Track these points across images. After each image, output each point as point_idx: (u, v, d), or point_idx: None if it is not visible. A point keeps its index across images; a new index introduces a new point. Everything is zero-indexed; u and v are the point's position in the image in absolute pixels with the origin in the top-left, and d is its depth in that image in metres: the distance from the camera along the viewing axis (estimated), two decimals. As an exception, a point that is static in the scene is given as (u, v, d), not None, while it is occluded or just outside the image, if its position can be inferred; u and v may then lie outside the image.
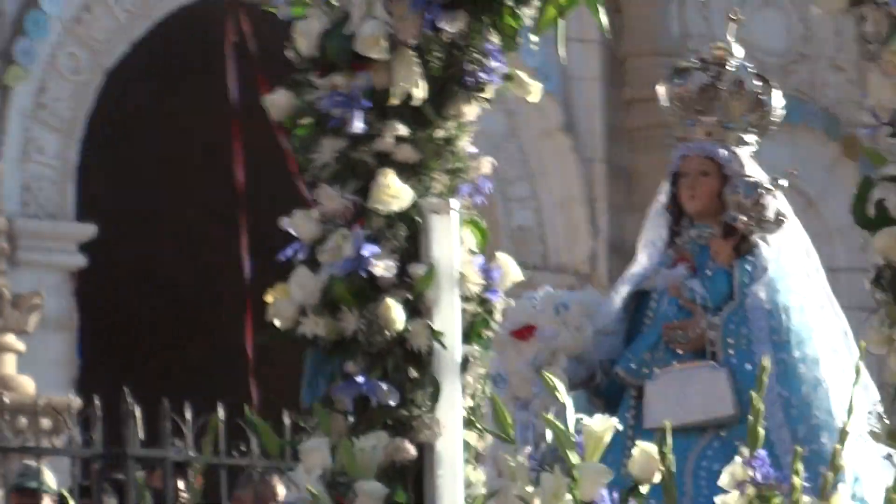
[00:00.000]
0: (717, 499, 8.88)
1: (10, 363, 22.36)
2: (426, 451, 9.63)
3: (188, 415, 17.54)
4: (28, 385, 22.09)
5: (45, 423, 21.01)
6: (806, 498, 8.70)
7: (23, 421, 20.88)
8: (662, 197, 11.19)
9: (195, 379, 19.31)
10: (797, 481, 8.56)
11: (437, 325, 9.69)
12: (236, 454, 17.85)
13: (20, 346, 22.75)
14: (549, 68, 24.27)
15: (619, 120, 27.32)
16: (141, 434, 17.41)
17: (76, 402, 21.26)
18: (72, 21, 23.57)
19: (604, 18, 10.54)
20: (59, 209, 23.45)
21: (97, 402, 19.33)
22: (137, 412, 17.75)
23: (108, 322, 23.73)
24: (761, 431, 8.63)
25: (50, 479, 18.44)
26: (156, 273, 23.44)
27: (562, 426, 8.76)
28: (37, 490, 17.03)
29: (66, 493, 16.11)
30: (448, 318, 9.84)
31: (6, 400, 20.49)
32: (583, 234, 24.07)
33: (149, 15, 24.03)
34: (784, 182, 11.36)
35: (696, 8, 26.10)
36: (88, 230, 23.37)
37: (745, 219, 10.35)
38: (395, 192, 9.66)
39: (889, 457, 9.31)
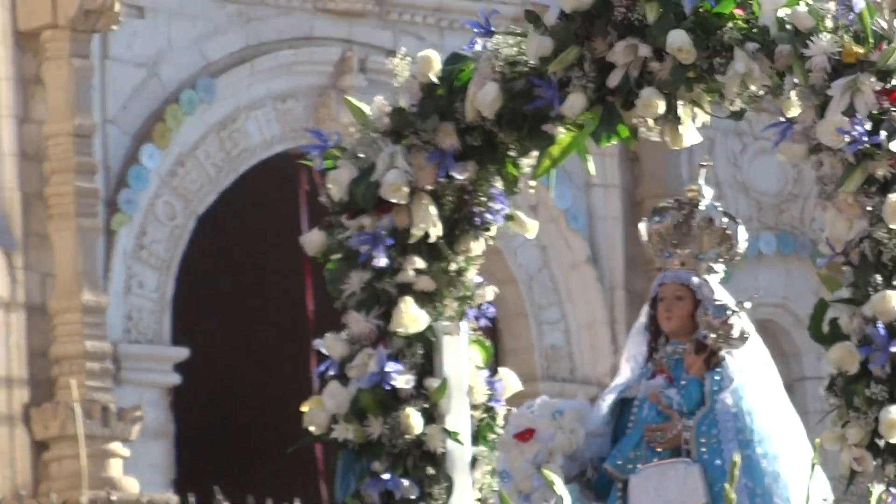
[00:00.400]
0: None
1: (117, 467, 22.30)
2: None
3: (268, 508, 17.88)
4: (132, 485, 22.05)
5: (150, 520, 21.07)
6: None
7: (128, 519, 20.90)
8: (643, 318, 11.01)
9: (274, 478, 19.27)
10: None
11: (451, 428, 9.84)
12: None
13: (125, 452, 22.68)
14: (578, 210, 24.32)
15: (638, 253, 27.16)
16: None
17: (174, 499, 21.29)
18: (168, 174, 23.50)
19: (591, 165, 10.98)
20: (157, 335, 23.34)
21: (192, 499, 19.41)
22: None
23: (200, 431, 23.65)
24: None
25: None
26: (240, 388, 23.42)
27: None
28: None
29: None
30: (459, 423, 9.92)
31: (114, 499, 20.56)
32: (605, 352, 23.99)
33: (234, 168, 23.95)
34: (748, 305, 11.03)
35: (701, 156, 25.92)
36: (182, 353, 23.31)
37: (714, 336, 10.28)
38: (413, 318, 9.81)
39: None
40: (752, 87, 9.27)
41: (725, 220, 10.95)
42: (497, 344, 24.28)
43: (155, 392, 23.40)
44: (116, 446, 22.57)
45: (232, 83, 24.01)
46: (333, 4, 24.12)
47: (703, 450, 10.32)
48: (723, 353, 10.50)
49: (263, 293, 23.33)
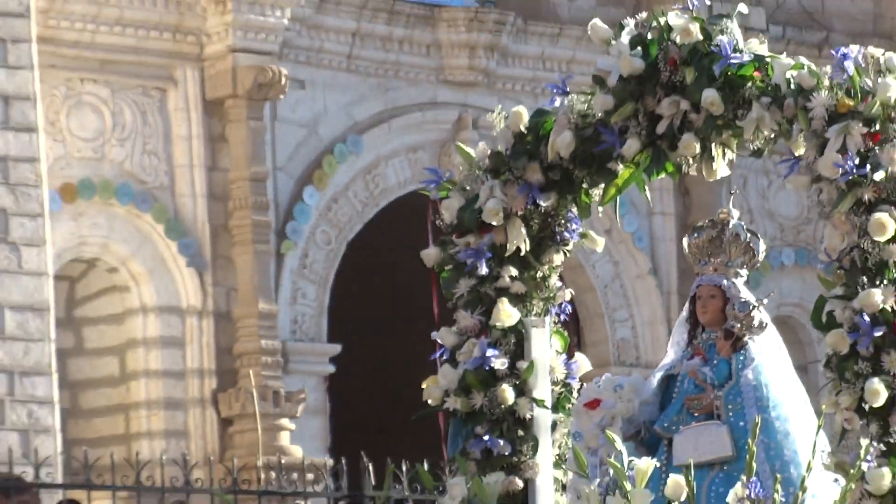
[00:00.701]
0: None
1: (285, 438, 22.40)
2: (529, 484, 9.97)
3: (403, 468, 17.79)
4: (297, 452, 22.08)
5: (309, 476, 21.10)
6: None
7: (294, 475, 20.95)
8: (684, 313, 11.25)
9: (408, 443, 19.32)
10: (777, 498, 8.66)
11: (537, 397, 9.99)
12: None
13: (291, 426, 22.72)
14: (642, 233, 24.41)
15: (688, 266, 26.69)
16: (372, 481, 17.51)
17: (329, 461, 21.33)
18: (324, 209, 23.59)
19: (648, 194, 11.19)
20: (316, 335, 23.37)
21: (343, 461, 19.47)
22: (370, 467, 17.87)
23: (349, 409, 23.75)
24: (754, 466, 8.78)
25: None
26: (381, 375, 23.48)
27: (619, 465, 8.72)
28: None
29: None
30: (543, 395, 10.03)
31: (283, 462, 20.74)
32: (662, 343, 23.67)
33: (376, 204, 24.03)
34: (766, 301, 11.30)
35: (756, 185, 25.78)
36: (336, 348, 23.36)
37: (739, 326, 10.64)
38: (508, 314, 9.92)
39: (836, 480, 9.15)
40: (765, 132, 9.33)
41: (748, 235, 11.21)
42: (579, 338, 24.30)
43: (314, 379, 23.49)
44: (285, 422, 22.70)
45: (374, 139, 24.06)
46: (452, 77, 24.12)
47: (731, 414, 10.59)
48: (746, 339, 10.76)
49: (399, 300, 23.39)
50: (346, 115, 24.28)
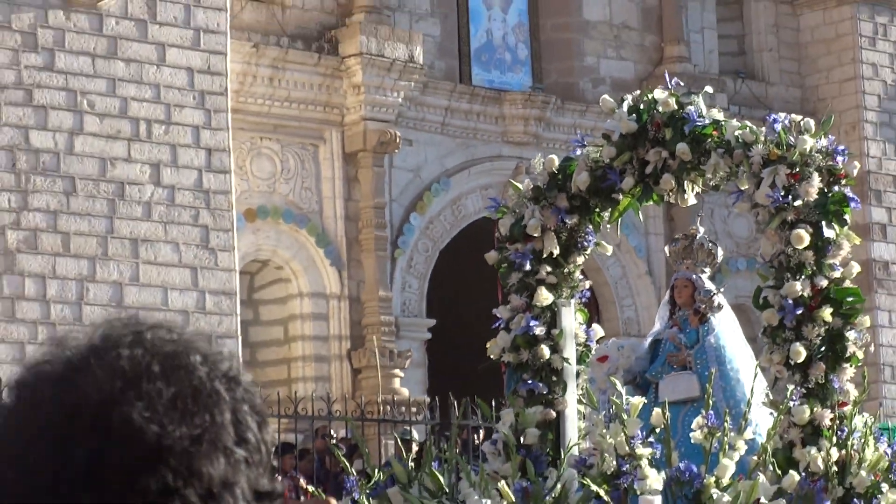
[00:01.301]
0: (692, 434, 9.32)
1: (397, 382, 22.22)
2: (560, 415, 10.28)
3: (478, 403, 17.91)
4: (405, 392, 21.98)
5: (413, 410, 21.10)
6: (731, 433, 9.16)
7: (402, 409, 20.88)
8: (666, 297, 11.89)
9: (483, 388, 19.25)
10: (727, 426, 9.06)
11: (565, 355, 10.25)
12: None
13: (401, 374, 22.40)
14: (641, 246, 24.09)
15: (671, 269, 26.78)
16: (457, 413, 17.39)
17: (427, 399, 21.31)
18: (424, 228, 23.55)
19: (641, 216, 13.06)
20: (419, 312, 23.34)
21: (436, 399, 19.39)
22: (455, 403, 17.80)
23: (442, 364, 23.64)
24: (711, 403, 9.54)
25: (415, 436, 18.56)
26: (466, 339, 23.36)
27: (619, 402, 9.35)
28: (410, 440, 17.07)
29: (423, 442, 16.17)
30: (570, 353, 10.39)
31: (395, 399, 20.81)
32: (654, 321, 23.70)
33: (459, 225, 23.73)
34: (722, 289, 11.80)
35: (706, 216, 25.34)
36: (431, 322, 23.22)
37: (703, 306, 10.92)
38: (545, 297, 10.18)
39: (770, 414, 9.56)
40: (720, 173, 9.61)
41: (710, 245, 11.46)
42: (598, 317, 23.83)
43: (417, 342, 23.26)
44: (397, 371, 22.46)
45: (458, 180, 23.77)
46: (512, 139, 23.92)
47: (698, 366, 10.78)
48: (709, 315, 11.00)
49: (475, 288, 23.36)
50: (440, 164, 24.00)
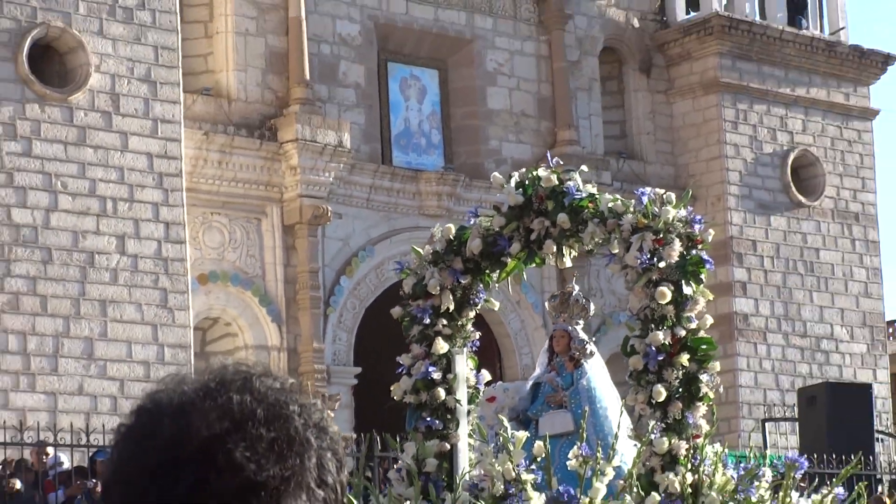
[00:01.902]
0: (568, 462, 8.97)
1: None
2: (454, 447, 9.80)
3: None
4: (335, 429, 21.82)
5: (343, 444, 20.83)
6: (601, 461, 8.73)
7: (332, 445, 20.80)
8: (545, 346, 11.49)
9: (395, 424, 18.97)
10: (598, 455, 8.70)
11: (458, 396, 9.75)
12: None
13: (332, 415, 22.30)
14: (538, 303, 23.43)
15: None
16: (378, 446, 17.11)
17: (353, 436, 21.05)
18: (352, 289, 23.68)
19: (539, 275, 11.71)
20: (346, 360, 23.20)
21: (362, 435, 18.87)
22: (378, 438, 17.26)
23: (366, 404, 23.20)
24: (584, 436, 8.92)
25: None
26: (383, 383, 23.12)
27: (505, 435, 8.92)
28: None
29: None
30: (462, 394, 9.87)
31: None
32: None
33: (382, 286, 23.78)
34: (593, 339, 12.21)
35: (585, 277, 25.19)
36: (358, 370, 23.43)
37: (578, 354, 10.54)
38: (442, 346, 9.73)
39: (635, 445, 9.17)
40: (596, 240, 9.34)
41: (584, 300, 11.25)
42: (500, 363, 23.79)
43: (346, 387, 23.02)
44: (329, 412, 22.15)
45: (381, 248, 23.73)
46: (427, 211, 23.82)
47: (573, 405, 10.54)
48: (582, 361, 10.71)
49: (396, 342, 23.14)
50: (366, 234, 23.98)
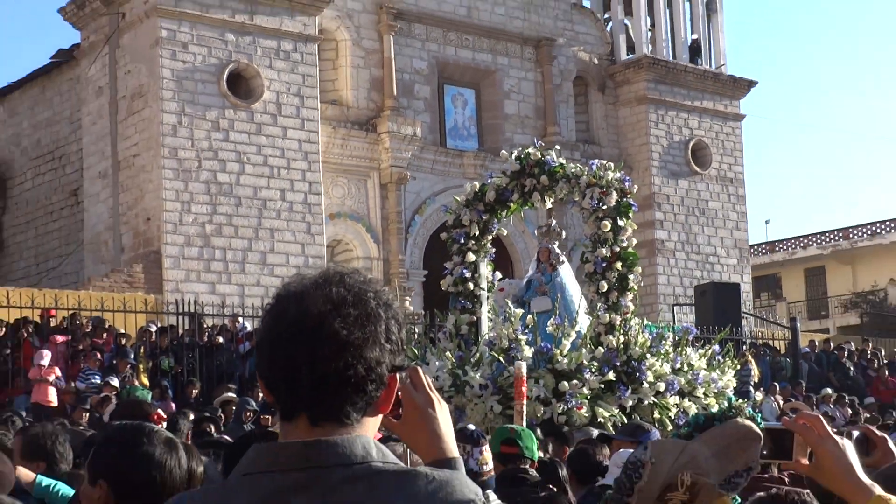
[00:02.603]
0: (547, 328, 8.41)
1: (407, 302, 21.00)
2: (478, 318, 9.04)
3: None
4: (411, 308, 20.97)
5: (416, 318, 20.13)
6: (568, 328, 8.42)
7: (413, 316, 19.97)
8: (535, 257, 10.31)
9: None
10: (566, 324, 8.47)
11: (481, 287, 9.13)
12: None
13: (409, 298, 21.78)
14: (533, 229, 22.50)
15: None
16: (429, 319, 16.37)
17: (422, 312, 20.37)
18: (422, 222, 22.67)
19: (522, 214, 10.51)
20: (418, 266, 22.29)
21: (427, 313, 18.05)
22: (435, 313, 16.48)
23: (435, 293, 21.93)
24: (557, 312, 8.63)
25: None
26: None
27: (509, 311, 8.47)
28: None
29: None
30: (483, 286, 9.21)
31: (407, 312, 19.74)
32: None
33: (440, 221, 22.86)
34: (565, 252, 10.80)
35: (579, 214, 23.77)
36: (425, 272, 22.47)
37: (554, 262, 9.50)
38: (470, 257, 9.09)
39: (589, 318, 8.89)
40: (564, 192, 8.84)
41: (559, 229, 10.31)
42: (512, 269, 21.97)
43: (418, 283, 21.83)
44: (407, 297, 21.13)
45: (441, 198, 22.06)
46: (467, 176, 22.84)
47: (551, 293, 9.43)
48: (557, 267, 9.63)
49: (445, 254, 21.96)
50: (430, 189, 23.30)
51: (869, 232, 31.07)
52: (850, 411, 12.50)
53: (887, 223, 30.98)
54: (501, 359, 8.10)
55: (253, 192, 20.55)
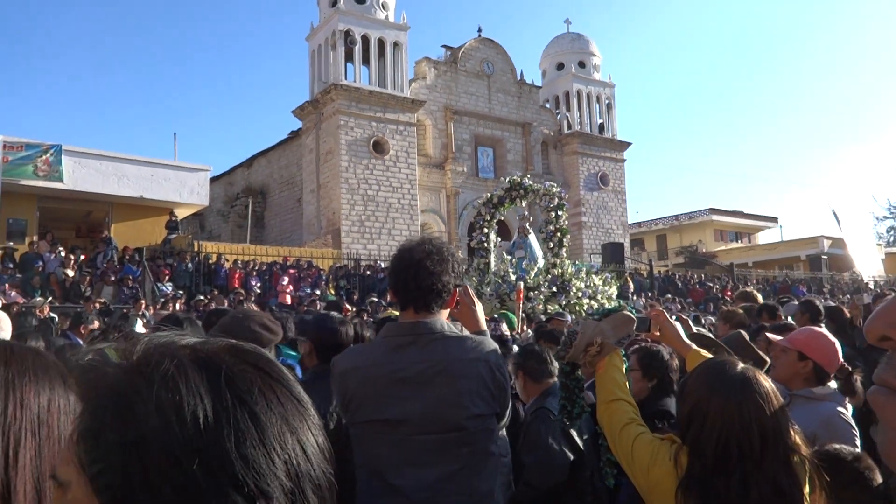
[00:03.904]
0: (522, 265, 10.38)
1: None
2: (487, 262, 10.87)
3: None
4: None
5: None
6: (533, 265, 10.37)
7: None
8: (517, 229, 11.31)
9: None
10: (533, 264, 10.24)
11: (491, 246, 11.07)
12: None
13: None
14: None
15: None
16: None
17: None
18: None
19: (514, 209, 11.08)
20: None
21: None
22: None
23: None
24: (527, 256, 10.43)
25: None
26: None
27: (506, 258, 10.22)
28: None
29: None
30: (492, 246, 11.02)
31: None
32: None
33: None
34: (531, 229, 11.74)
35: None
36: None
37: (526, 233, 10.95)
38: (485, 230, 10.74)
39: (544, 260, 10.39)
40: (533, 198, 10.72)
41: (529, 216, 11.80)
42: (510, 237, 23.82)
43: (464, 246, 23.54)
44: None
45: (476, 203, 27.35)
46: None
47: (525, 248, 11.00)
48: (528, 234, 11.28)
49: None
50: (472, 197, 29.46)
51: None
52: (679, 306, 15.98)
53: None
54: (500, 281, 10.53)
55: (384, 199, 27.13)
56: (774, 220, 46.12)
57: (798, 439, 1.67)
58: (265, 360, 0.65)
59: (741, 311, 4.97)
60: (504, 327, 5.09)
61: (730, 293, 18.94)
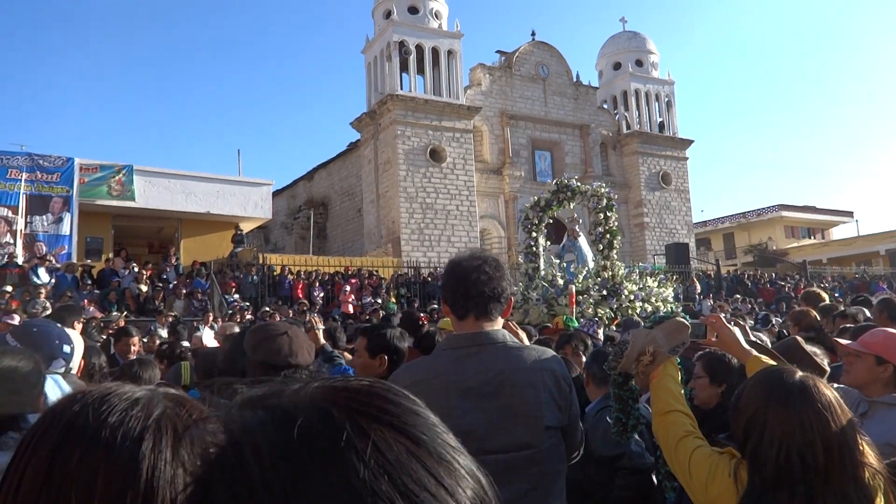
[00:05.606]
0: (571, 268, 10.20)
1: None
2: (536, 266, 10.50)
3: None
4: None
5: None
6: (582, 268, 10.12)
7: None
8: (567, 233, 11.07)
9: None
10: (582, 267, 9.99)
11: (541, 250, 10.68)
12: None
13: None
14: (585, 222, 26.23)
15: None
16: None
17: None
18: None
19: (563, 209, 10.58)
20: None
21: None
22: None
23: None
24: (577, 260, 10.28)
25: None
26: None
27: (554, 263, 10.14)
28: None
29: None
30: (541, 249, 10.70)
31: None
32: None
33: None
34: (581, 231, 11.54)
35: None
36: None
37: (576, 235, 10.81)
38: (534, 234, 10.49)
39: (595, 263, 10.21)
40: (582, 199, 10.53)
41: (579, 221, 11.44)
42: (561, 241, 24.96)
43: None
44: None
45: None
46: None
47: (575, 251, 10.77)
48: (578, 237, 10.95)
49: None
50: (526, 201, 28.79)
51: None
52: (749, 306, 16.45)
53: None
54: (547, 285, 10.13)
55: (443, 206, 27.10)
56: (850, 214, 45.13)
57: (869, 451, 1.57)
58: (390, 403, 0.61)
59: (813, 312, 4.78)
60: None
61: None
